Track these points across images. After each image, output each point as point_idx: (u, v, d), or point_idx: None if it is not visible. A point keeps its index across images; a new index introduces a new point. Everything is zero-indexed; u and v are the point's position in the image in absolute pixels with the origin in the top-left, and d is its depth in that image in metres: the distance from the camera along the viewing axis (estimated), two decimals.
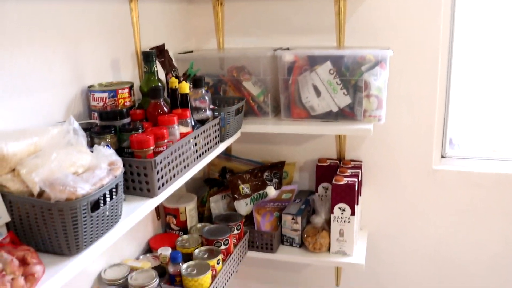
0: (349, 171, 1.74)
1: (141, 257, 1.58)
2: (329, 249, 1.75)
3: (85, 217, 0.85)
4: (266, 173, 1.84)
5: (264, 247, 1.78)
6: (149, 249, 1.65)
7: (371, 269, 2.01)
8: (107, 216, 0.93)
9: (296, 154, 1.94)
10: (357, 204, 1.72)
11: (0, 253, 0.79)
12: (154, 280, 1.37)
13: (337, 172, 1.73)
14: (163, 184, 1.13)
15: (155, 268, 1.46)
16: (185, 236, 1.63)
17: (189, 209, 1.69)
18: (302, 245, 1.79)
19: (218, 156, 1.98)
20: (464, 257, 1.90)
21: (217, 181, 1.90)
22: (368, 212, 1.93)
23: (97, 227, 0.90)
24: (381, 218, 1.93)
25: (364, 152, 1.86)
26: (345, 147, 1.87)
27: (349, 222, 1.69)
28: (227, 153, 2.00)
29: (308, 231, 1.77)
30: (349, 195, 1.65)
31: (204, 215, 1.84)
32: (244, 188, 1.77)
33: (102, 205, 0.90)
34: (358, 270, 1.99)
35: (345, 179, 1.67)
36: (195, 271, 1.44)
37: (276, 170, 1.87)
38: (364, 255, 1.76)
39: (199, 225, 1.72)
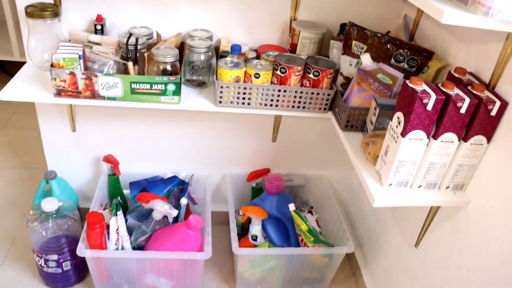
0: (456, 90, 1.17)
1: None
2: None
3: None
4: (400, 52, 1.44)
5: (337, 116, 1.54)
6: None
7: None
8: None
9: (458, 53, 1.37)
10: (433, 136, 1.19)
11: None
12: (207, 46, 1.55)
13: (440, 84, 1.19)
14: None
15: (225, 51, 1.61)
16: (275, 53, 1.61)
17: (303, 36, 1.61)
18: None
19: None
20: None
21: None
22: (482, 178, 1.25)
23: None
24: (493, 193, 1.22)
25: None
26: (504, 71, 1.18)
27: (395, 142, 1.22)
28: None
29: (375, 130, 1.38)
30: (408, 107, 1.16)
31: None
32: (357, 47, 1.48)
33: None
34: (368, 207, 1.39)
35: (425, 86, 1.16)
36: (232, 64, 1.50)
37: (417, 56, 1.42)
38: (398, 203, 1.26)
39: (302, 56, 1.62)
